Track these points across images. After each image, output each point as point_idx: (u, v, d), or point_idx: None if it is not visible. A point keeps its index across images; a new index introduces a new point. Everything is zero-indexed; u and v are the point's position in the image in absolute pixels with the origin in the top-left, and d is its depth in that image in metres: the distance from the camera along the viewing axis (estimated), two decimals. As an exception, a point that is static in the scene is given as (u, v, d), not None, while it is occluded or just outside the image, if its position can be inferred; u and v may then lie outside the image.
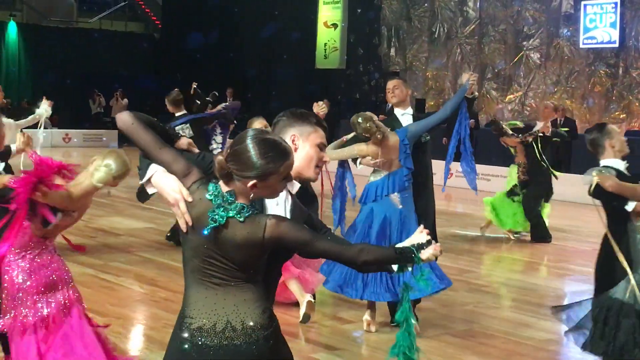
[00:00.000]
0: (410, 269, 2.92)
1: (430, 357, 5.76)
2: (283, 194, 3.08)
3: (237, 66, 27.51)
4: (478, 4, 21.96)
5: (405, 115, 6.63)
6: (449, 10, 22.59)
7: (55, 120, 25.78)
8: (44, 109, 10.27)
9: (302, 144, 3.13)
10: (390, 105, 8.60)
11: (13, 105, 25.90)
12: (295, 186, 3.20)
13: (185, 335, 2.86)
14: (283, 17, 26.83)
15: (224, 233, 2.76)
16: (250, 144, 2.76)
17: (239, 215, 2.75)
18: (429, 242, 2.89)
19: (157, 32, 31.28)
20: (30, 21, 28.82)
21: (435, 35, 22.82)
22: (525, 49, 20.90)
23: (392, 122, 6.50)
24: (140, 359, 5.51)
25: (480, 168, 14.67)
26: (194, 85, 20.73)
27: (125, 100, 27.58)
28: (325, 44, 25.32)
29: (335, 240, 2.96)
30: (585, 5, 19.21)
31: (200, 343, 2.80)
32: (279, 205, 3.09)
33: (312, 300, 6.32)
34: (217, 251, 2.78)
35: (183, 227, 2.84)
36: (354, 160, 6.31)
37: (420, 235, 2.91)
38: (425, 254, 2.86)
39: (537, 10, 20.72)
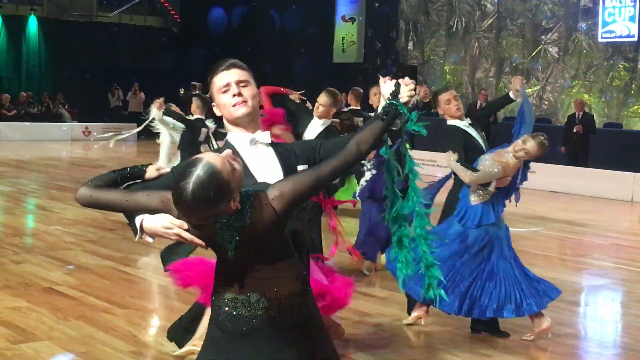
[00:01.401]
0: (402, 122, 2.98)
1: (449, 350, 5.75)
2: (264, 152, 3.08)
3: (255, 60, 27.51)
4: (496, -2, 21.85)
5: (470, 127, 6.21)
6: (467, 4, 22.49)
7: (75, 114, 25.94)
8: (154, 113, 10.29)
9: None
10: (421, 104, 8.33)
11: (34, 98, 26.08)
12: (264, 135, 3.13)
13: (220, 306, 2.84)
14: (301, 11, 26.83)
15: (244, 237, 2.74)
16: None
17: (243, 221, 2.72)
18: (397, 85, 2.92)
19: (176, 27, 31.32)
20: (50, 15, 28.92)
21: (453, 29, 22.74)
22: (543, 42, 20.78)
23: (470, 136, 6.14)
24: (158, 351, 5.54)
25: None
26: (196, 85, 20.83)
27: (143, 94, 27.66)
28: (343, 38, 25.29)
29: (333, 151, 2.96)
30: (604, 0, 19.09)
31: (235, 313, 2.80)
32: (266, 167, 3.06)
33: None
34: (246, 248, 2.78)
35: (201, 246, 2.83)
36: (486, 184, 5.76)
37: (386, 85, 2.95)
38: (402, 97, 2.92)
39: (556, 4, 20.59)
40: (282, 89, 7.39)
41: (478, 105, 17.96)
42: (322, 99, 6.89)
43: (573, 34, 20.21)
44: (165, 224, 2.83)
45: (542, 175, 15.79)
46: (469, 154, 5.86)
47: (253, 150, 3.10)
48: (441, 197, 6.16)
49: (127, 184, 3.06)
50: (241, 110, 3.11)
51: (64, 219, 10.82)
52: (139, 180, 3.08)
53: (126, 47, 29.19)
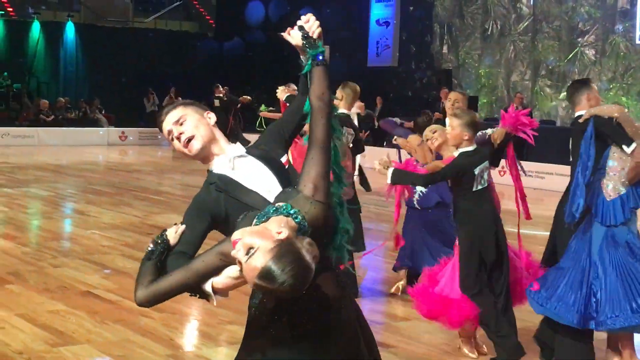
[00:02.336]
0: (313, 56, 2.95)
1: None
2: (246, 163, 3.05)
3: (288, 64, 27.56)
4: (532, 0, 21.69)
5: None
6: (502, 7, 22.36)
7: (112, 119, 26.17)
8: None
9: None
10: (445, 102, 8.26)
11: (72, 104, 26.36)
12: (237, 148, 3.11)
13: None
14: (336, 16, 26.84)
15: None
16: None
17: (305, 231, 2.68)
18: (302, 28, 2.95)
19: (211, 32, 31.50)
20: (87, 21, 29.24)
21: (488, 32, 22.62)
22: (580, 45, 20.60)
23: None
24: (195, 355, 5.56)
25: (534, 166, 14.61)
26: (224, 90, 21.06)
27: (180, 99, 27.80)
28: (377, 42, 25.26)
29: (293, 115, 3.16)
30: (641, 1, 18.90)
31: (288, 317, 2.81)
32: (257, 175, 3.03)
33: None
34: None
35: None
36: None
37: (294, 34, 2.97)
38: (314, 34, 2.96)
39: (592, 6, 20.41)
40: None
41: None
42: (340, 92, 6.96)
43: (610, 36, 20.01)
44: (235, 274, 2.81)
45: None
46: None
47: (238, 168, 3.06)
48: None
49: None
50: (194, 147, 3.09)
51: (101, 223, 10.90)
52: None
53: (162, 52, 29.38)
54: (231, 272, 2.81)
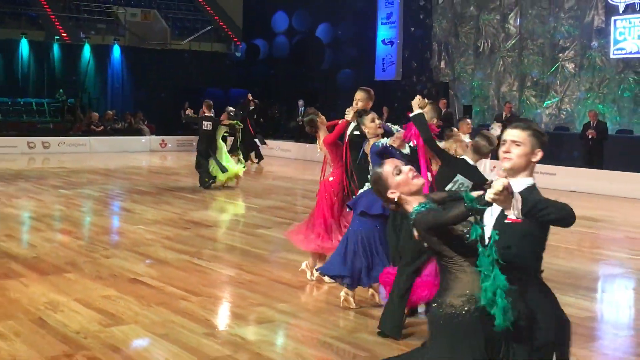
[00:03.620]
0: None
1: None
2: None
3: (306, 80, 27.60)
4: (518, 21, 21.58)
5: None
6: (492, 27, 22.25)
7: (153, 129, 26.26)
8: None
9: None
10: (443, 111, 8.26)
11: (118, 116, 26.47)
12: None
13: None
14: (346, 36, 26.85)
15: None
16: None
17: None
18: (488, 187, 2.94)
19: (238, 52, 31.54)
20: (131, 44, 29.33)
21: (480, 50, 22.52)
22: (561, 60, 20.45)
23: None
24: (229, 333, 5.57)
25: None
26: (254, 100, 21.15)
27: (212, 111, 27.85)
28: (383, 59, 25.21)
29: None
30: (615, 20, 18.74)
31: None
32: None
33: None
34: None
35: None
36: None
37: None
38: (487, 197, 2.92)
39: (572, 25, 20.26)
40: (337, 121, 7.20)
41: (504, 116, 17.77)
42: (359, 95, 6.85)
43: (587, 52, 19.86)
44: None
45: (562, 176, 15.60)
46: None
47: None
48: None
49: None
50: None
51: (145, 219, 10.94)
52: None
53: (196, 70, 29.45)
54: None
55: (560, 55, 20.50)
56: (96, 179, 16.25)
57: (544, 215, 2.95)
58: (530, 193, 3.13)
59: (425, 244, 3.26)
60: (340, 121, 6.80)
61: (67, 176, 16.56)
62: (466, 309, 3.16)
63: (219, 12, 32.96)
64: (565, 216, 2.96)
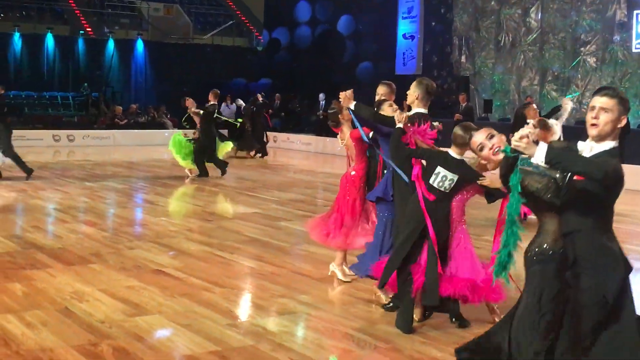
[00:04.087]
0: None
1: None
2: None
3: (327, 73, 27.57)
4: (539, 15, 21.41)
5: None
6: (513, 21, 22.09)
7: (176, 122, 26.38)
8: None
9: None
10: (463, 105, 8.21)
11: (141, 109, 26.62)
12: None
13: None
14: (367, 30, 26.78)
15: None
16: None
17: None
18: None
19: (260, 46, 31.58)
20: (154, 39, 29.47)
21: (501, 44, 22.36)
22: (582, 54, 20.28)
23: None
24: (250, 324, 5.59)
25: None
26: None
27: (234, 105, 27.94)
28: (403, 53, 25.12)
29: None
30: (637, 14, 18.54)
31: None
32: None
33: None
34: None
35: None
36: None
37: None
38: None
39: (594, 19, 20.07)
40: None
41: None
42: (381, 89, 6.85)
43: (609, 46, 19.67)
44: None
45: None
46: None
47: None
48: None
49: None
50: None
51: (168, 211, 11.00)
52: None
53: (218, 64, 29.52)
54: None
55: (582, 49, 20.32)
56: (120, 171, 16.36)
57: (568, 165, 3.37)
58: (607, 155, 3.47)
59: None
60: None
61: (92, 169, 16.69)
62: (550, 253, 3.58)
63: (241, 7, 33.03)
64: (592, 170, 3.32)
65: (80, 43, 27.83)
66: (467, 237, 5.47)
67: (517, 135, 3.39)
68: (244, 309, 6.12)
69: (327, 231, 6.81)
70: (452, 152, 5.35)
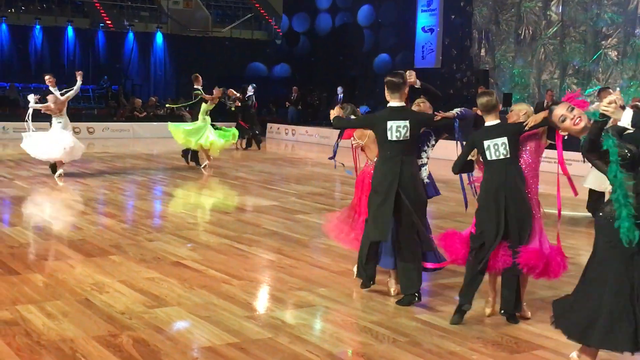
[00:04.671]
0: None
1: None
2: None
3: (345, 66, 27.54)
4: (560, 8, 21.24)
5: None
6: (533, 14, 21.94)
7: (192, 114, 26.44)
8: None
9: None
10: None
11: (160, 102, 26.69)
12: None
13: None
14: (386, 21, 26.69)
15: None
16: None
17: None
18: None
19: (279, 39, 31.58)
20: (173, 32, 29.55)
21: (521, 37, 22.22)
22: (603, 47, 20.11)
23: None
24: (269, 316, 5.60)
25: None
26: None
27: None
28: (422, 47, 25.04)
29: None
30: (659, 7, 18.37)
31: None
32: None
33: None
34: None
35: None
36: None
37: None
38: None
39: (615, 12, 19.89)
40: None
41: (545, 104, 17.52)
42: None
43: (631, 39, 19.48)
44: None
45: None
46: None
47: None
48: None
49: None
50: None
51: (187, 204, 11.04)
52: None
53: (237, 57, 29.55)
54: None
55: (603, 42, 20.15)
56: (139, 163, 16.44)
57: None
58: None
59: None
60: None
61: (111, 161, 16.79)
62: (612, 217, 3.99)
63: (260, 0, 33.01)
64: None
65: (101, 36, 27.96)
66: (538, 212, 5.46)
67: (605, 100, 3.87)
68: (262, 302, 6.12)
69: (347, 232, 6.65)
70: (491, 120, 5.43)
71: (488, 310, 5.67)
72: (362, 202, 6.41)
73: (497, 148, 5.32)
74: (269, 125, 26.85)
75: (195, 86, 15.53)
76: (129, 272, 6.74)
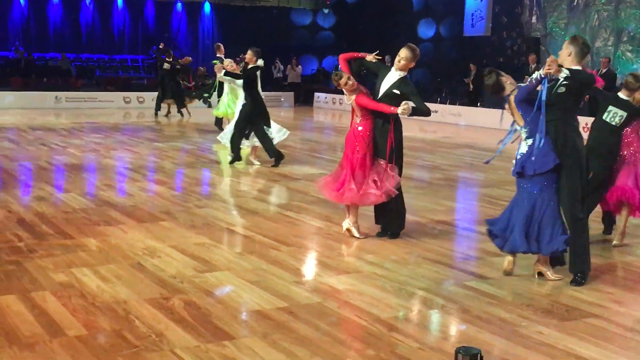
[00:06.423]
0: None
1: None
2: None
3: (390, 35, 27.23)
4: (616, -28, 20.64)
5: None
6: (587, -21, 21.38)
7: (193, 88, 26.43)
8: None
9: None
10: (533, 66, 8.03)
11: (208, 72, 26.79)
12: None
13: None
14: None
15: None
16: None
17: None
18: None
19: (326, 8, 31.36)
20: (221, 1, 29.56)
21: (574, 3, 21.68)
22: (660, 13, 19.53)
23: None
24: (316, 281, 5.63)
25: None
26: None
27: (300, 67, 27.93)
28: (472, 14, 24.63)
29: None
30: None
31: None
32: None
33: None
34: None
35: None
36: None
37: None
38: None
39: (674, -24, 19.27)
40: (357, 53, 7.20)
41: (599, 72, 17.08)
42: (404, 52, 6.73)
43: (691, 4, 18.89)
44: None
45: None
46: None
47: None
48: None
49: None
50: None
51: (236, 172, 11.13)
52: None
53: (284, 26, 29.46)
54: None
55: (660, 8, 19.56)
56: (188, 132, 16.58)
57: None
58: None
59: None
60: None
61: (161, 130, 16.97)
62: None
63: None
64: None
65: (150, 5, 28.14)
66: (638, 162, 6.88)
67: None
68: (310, 267, 6.16)
69: (338, 187, 6.84)
70: (622, 94, 6.78)
71: (509, 267, 5.81)
72: (350, 158, 6.81)
73: (614, 116, 6.73)
74: (316, 94, 26.80)
75: (217, 55, 15.60)
76: (179, 238, 6.84)
